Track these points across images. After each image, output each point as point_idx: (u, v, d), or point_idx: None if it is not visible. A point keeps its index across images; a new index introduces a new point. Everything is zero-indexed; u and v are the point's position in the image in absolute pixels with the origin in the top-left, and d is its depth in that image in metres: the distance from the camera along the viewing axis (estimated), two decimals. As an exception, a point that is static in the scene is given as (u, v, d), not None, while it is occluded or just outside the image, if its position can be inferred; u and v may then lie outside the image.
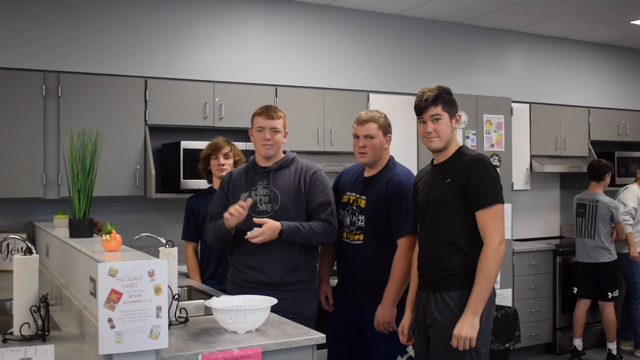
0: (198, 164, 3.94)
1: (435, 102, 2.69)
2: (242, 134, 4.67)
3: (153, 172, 4.37)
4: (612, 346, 5.48)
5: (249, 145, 4.49)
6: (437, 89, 2.72)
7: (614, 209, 5.46)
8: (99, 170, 2.87)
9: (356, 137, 3.14)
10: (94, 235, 2.79)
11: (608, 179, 5.61)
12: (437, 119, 2.70)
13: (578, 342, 5.56)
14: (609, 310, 5.48)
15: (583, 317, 5.55)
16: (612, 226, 5.47)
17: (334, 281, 3.36)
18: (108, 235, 2.32)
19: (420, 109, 2.72)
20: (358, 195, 3.15)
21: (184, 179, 4.38)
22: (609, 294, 5.45)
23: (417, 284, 2.84)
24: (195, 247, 3.88)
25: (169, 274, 2.17)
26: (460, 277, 2.62)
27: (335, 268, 3.36)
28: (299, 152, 3.37)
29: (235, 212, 2.93)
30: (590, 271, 5.49)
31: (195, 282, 3.67)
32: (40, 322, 2.36)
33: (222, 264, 3.68)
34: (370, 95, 5.31)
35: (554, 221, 6.65)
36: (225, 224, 2.99)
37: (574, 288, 5.60)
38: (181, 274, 3.69)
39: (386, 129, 3.14)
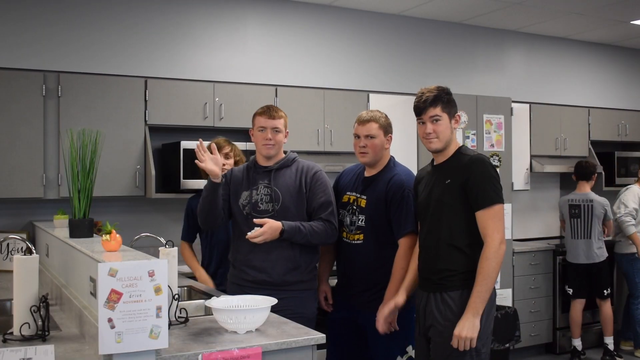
0: (198, 164, 3.93)
1: (434, 103, 2.69)
2: (242, 134, 4.67)
3: (153, 172, 4.36)
4: (609, 340, 5.51)
5: (249, 145, 4.49)
6: (436, 89, 2.72)
7: (607, 206, 5.52)
8: (99, 170, 2.87)
9: (357, 136, 3.14)
10: (94, 235, 2.79)
11: (595, 178, 5.67)
12: (437, 120, 2.69)
13: (577, 342, 5.57)
14: (606, 306, 5.52)
15: (579, 317, 5.56)
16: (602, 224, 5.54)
17: (333, 281, 3.36)
18: (108, 235, 2.32)
19: (419, 110, 2.72)
20: (358, 195, 3.15)
21: (184, 179, 4.38)
22: (604, 291, 5.49)
23: (415, 273, 2.85)
24: (190, 246, 3.86)
25: (169, 274, 2.17)
26: (460, 277, 2.62)
27: (334, 268, 3.36)
28: (299, 152, 3.37)
29: (202, 156, 2.95)
30: (584, 272, 5.51)
31: (195, 282, 3.66)
32: (40, 322, 2.36)
33: (223, 265, 3.67)
34: (370, 95, 5.31)
35: (554, 221, 6.64)
36: (209, 175, 2.98)
37: (569, 289, 5.61)
38: (181, 274, 3.69)
39: (387, 128, 3.14)
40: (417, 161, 4.98)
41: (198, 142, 2.99)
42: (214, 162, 2.99)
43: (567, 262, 5.64)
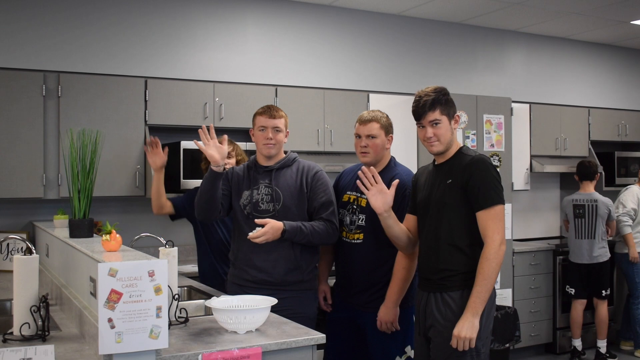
0: (200, 164, 3.94)
1: (432, 106, 2.68)
2: (242, 134, 4.67)
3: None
4: (602, 344, 5.51)
5: (249, 145, 4.49)
6: (434, 92, 2.70)
7: (611, 206, 5.52)
8: (99, 170, 2.87)
9: (358, 136, 3.14)
10: (94, 235, 2.79)
11: (598, 178, 5.68)
12: (436, 124, 2.69)
13: (577, 343, 5.57)
14: (602, 308, 5.52)
15: (580, 318, 5.56)
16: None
17: (332, 281, 3.35)
18: (108, 235, 2.32)
19: (418, 114, 2.71)
20: (359, 195, 3.14)
21: (184, 179, 4.38)
22: (603, 291, 5.49)
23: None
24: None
25: (169, 274, 2.17)
26: (461, 277, 2.62)
27: (334, 268, 3.35)
28: (299, 152, 3.37)
29: (206, 140, 2.93)
30: (586, 272, 5.50)
31: (195, 282, 3.66)
32: (40, 322, 2.36)
33: (222, 266, 3.67)
34: (370, 95, 5.31)
35: (554, 221, 6.64)
36: (211, 164, 2.96)
37: (571, 289, 5.61)
38: (181, 274, 3.69)
39: (388, 128, 3.14)
40: (417, 161, 4.98)
41: (200, 129, 2.97)
42: (216, 148, 2.96)
43: (568, 262, 5.64)
